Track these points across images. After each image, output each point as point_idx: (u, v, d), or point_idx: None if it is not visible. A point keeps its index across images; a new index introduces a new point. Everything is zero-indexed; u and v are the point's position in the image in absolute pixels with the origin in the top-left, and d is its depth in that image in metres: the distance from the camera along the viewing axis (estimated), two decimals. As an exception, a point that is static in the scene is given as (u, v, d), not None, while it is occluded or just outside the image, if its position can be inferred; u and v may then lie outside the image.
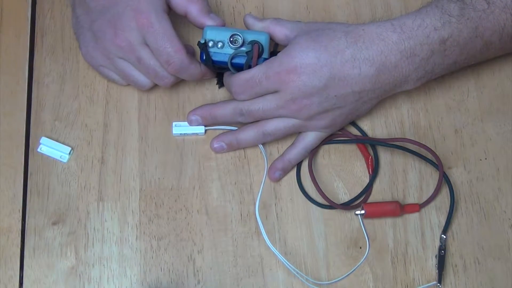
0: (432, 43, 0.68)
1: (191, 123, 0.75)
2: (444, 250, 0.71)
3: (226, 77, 0.73)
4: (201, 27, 0.71)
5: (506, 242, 0.72)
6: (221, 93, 0.77)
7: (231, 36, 0.70)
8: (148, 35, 0.68)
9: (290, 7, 0.80)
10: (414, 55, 0.68)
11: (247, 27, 0.73)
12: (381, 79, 0.69)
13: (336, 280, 0.70)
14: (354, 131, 0.76)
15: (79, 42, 0.73)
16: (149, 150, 0.74)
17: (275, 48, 0.74)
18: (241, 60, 0.70)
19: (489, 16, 0.69)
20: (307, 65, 0.67)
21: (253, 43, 0.70)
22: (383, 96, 0.72)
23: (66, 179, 0.73)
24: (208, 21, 0.71)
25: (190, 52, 0.72)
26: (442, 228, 0.72)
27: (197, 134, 0.75)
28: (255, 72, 0.69)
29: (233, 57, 0.70)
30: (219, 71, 0.75)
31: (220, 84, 0.77)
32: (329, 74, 0.68)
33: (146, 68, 0.70)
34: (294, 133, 0.73)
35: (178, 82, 0.76)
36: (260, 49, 0.70)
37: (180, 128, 0.75)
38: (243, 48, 0.70)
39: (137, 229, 0.71)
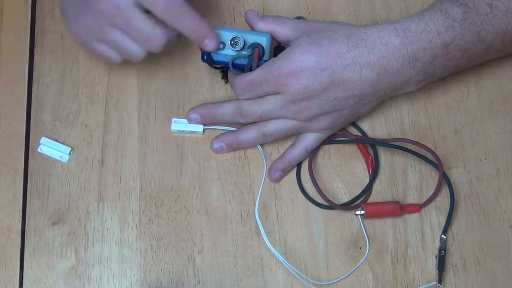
0: (434, 48, 0.68)
1: (190, 121, 0.74)
2: (444, 250, 0.71)
3: (230, 77, 0.74)
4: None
5: (506, 242, 0.72)
6: (221, 94, 0.76)
7: (232, 39, 0.70)
8: None
9: (290, 7, 0.80)
10: (416, 60, 0.68)
11: (248, 25, 0.73)
12: (382, 83, 0.69)
13: (336, 280, 0.70)
14: (354, 131, 0.76)
15: (66, 21, 0.70)
16: (149, 150, 0.74)
17: (279, 44, 0.74)
18: (243, 61, 0.70)
19: (491, 20, 0.68)
20: (306, 69, 0.67)
21: (254, 46, 0.70)
22: (383, 98, 0.72)
23: (66, 179, 0.73)
24: None
25: None
26: (442, 228, 0.72)
27: (195, 132, 0.75)
28: (255, 75, 0.69)
29: (234, 59, 0.70)
30: (222, 69, 0.76)
31: (226, 79, 0.77)
32: (329, 78, 0.67)
33: (135, 31, 0.65)
34: (294, 134, 0.73)
35: (177, 83, 0.76)
36: (261, 53, 0.70)
37: (179, 125, 0.75)
38: (244, 53, 0.70)
39: (137, 229, 0.71)
